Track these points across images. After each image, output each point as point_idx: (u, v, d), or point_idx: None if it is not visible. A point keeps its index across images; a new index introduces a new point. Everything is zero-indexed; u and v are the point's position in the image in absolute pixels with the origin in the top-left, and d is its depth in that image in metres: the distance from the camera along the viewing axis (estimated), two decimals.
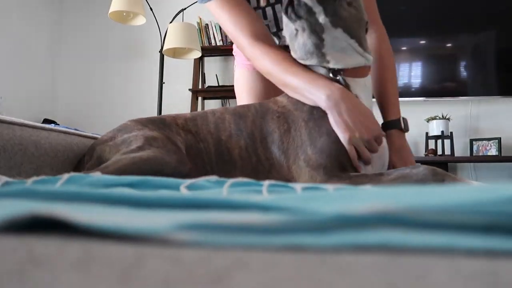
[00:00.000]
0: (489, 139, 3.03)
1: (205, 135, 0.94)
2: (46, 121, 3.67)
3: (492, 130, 3.13)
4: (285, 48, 0.99)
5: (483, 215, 0.24)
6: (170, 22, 3.21)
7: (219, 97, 3.61)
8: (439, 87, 3.20)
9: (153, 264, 0.19)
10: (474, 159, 2.98)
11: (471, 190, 0.28)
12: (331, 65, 0.90)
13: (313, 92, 0.89)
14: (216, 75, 3.69)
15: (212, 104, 3.66)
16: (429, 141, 3.11)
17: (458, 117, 3.19)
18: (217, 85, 3.65)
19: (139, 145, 0.84)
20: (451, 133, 3.04)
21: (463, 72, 3.21)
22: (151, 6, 3.36)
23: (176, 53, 3.21)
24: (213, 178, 0.49)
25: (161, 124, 0.94)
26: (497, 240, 0.22)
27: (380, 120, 1.00)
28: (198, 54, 3.20)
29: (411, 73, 3.24)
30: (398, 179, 0.79)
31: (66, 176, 0.47)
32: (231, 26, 1.01)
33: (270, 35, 1.04)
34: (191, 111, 3.25)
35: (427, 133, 3.11)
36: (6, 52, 3.52)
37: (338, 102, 0.86)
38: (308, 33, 0.87)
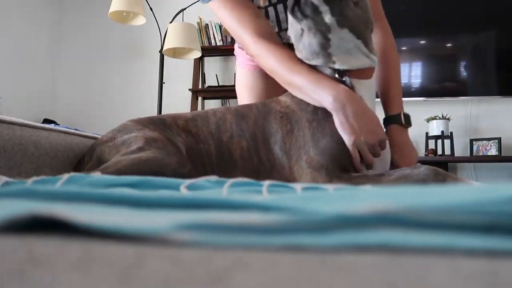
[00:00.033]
0: (489, 139, 3.03)
1: (206, 136, 0.94)
2: (46, 121, 3.67)
3: (492, 130, 3.13)
4: (289, 46, 0.99)
5: (483, 215, 0.24)
6: (170, 22, 3.21)
7: (219, 97, 3.61)
8: (439, 87, 3.20)
9: (153, 264, 0.19)
10: (474, 159, 2.98)
11: (471, 190, 0.28)
12: (336, 66, 0.90)
13: (318, 93, 0.88)
14: (216, 75, 3.69)
15: (212, 104, 3.66)
16: (429, 141, 3.11)
17: (458, 117, 3.19)
18: (217, 85, 3.65)
19: (139, 146, 0.83)
20: (451, 133, 3.04)
21: (463, 72, 3.21)
22: (151, 6, 3.36)
23: (176, 53, 3.21)
24: (213, 178, 0.49)
25: (161, 124, 0.93)
26: (497, 240, 0.22)
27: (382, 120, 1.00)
28: (198, 54, 3.20)
29: (411, 73, 3.24)
30: (399, 179, 0.79)
31: (66, 176, 0.47)
32: (235, 24, 1.00)
33: (274, 33, 1.03)
34: (191, 111, 3.25)
35: (427, 133, 3.11)
36: (6, 52, 3.52)
37: (344, 104, 0.85)
38: (314, 33, 0.87)
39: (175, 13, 3.35)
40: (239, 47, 1.33)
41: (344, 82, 0.89)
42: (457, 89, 3.17)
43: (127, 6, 2.86)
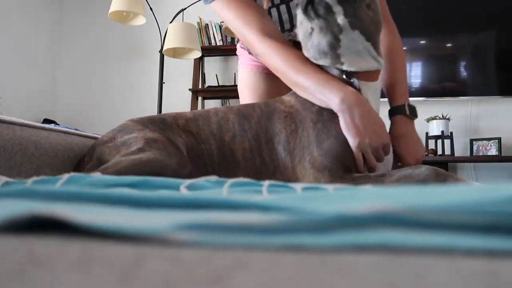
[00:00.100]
0: (489, 139, 3.03)
1: (207, 136, 0.93)
2: (46, 121, 3.67)
3: (492, 130, 3.13)
4: (294, 44, 0.98)
5: (483, 215, 0.24)
6: (170, 22, 3.21)
7: (219, 97, 3.61)
8: (439, 87, 3.20)
9: (153, 264, 0.19)
10: (474, 159, 2.98)
11: (471, 190, 0.28)
12: (344, 67, 0.89)
13: (325, 93, 0.87)
14: (216, 75, 3.69)
15: (212, 104, 3.66)
16: (429, 141, 3.11)
17: (458, 117, 3.19)
18: (217, 85, 3.65)
19: (139, 147, 0.83)
20: (451, 133, 3.04)
21: (463, 72, 3.21)
22: (151, 6, 3.36)
23: (176, 53, 3.21)
24: (213, 178, 0.49)
25: (161, 124, 0.93)
26: (497, 240, 0.22)
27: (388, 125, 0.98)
28: (198, 54, 3.20)
29: (411, 73, 3.24)
30: (401, 179, 0.79)
31: (66, 176, 0.47)
32: (239, 23, 0.99)
33: (279, 32, 1.03)
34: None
35: (427, 133, 3.11)
36: (6, 52, 3.53)
37: (351, 106, 0.85)
38: (324, 33, 0.86)
39: (175, 13, 3.35)
40: (242, 47, 1.33)
41: (351, 84, 0.89)
42: (457, 89, 3.17)
43: (127, 6, 2.86)
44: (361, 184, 0.79)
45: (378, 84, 0.95)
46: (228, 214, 0.28)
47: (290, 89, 0.99)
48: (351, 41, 0.86)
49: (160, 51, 3.29)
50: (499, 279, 0.18)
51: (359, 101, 0.86)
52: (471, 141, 3.09)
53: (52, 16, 4.04)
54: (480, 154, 3.04)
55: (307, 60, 0.93)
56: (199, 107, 3.62)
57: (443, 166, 2.88)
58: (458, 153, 3.13)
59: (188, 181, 0.46)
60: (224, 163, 0.91)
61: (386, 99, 1.01)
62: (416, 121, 1.05)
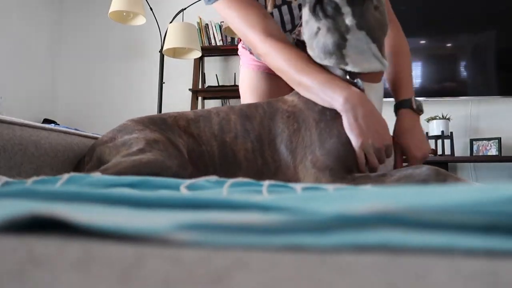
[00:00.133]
0: (489, 139, 3.03)
1: (208, 138, 0.93)
2: (46, 121, 3.67)
3: (492, 130, 3.13)
4: (298, 43, 0.98)
5: (483, 215, 0.24)
6: (170, 22, 3.21)
7: (219, 97, 3.61)
8: (439, 87, 3.20)
9: (153, 264, 0.19)
10: (474, 159, 2.98)
11: (471, 190, 0.28)
12: (348, 68, 0.89)
13: (328, 93, 0.87)
14: (216, 75, 3.69)
15: (212, 104, 3.66)
16: (429, 141, 3.11)
17: (458, 117, 3.19)
18: (217, 85, 3.65)
19: (139, 147, 0.83)
20: (451, 133, 3.04)
21: (463, 72, 3.21)
22: (151, 6, 3.36)
23: (176, 53, 3.21)
24: (213, 178, 0.49)
25: (162, 125, 0.92)
26: (497, 240, 0.22)
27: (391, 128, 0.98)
28: (198, 54, 3.20)
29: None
30: (401, 179, 0.79)
31: (66, 176, 0.47)
32: (241, 23, 0.99)
33: (282, 32, 1.03)
34: None
35: (427, 133, 3.11)
36: (6, 52, 3.53)
37: (355, 106, 0.85)
38: (331, 33, 0.86)
39: (175, 13, 3.35)
40: (243, 47, 1.33)
41: (355, 84, 0.89)
42: (457, 89, 3.17)
43: (127, 6, 2.86)
44: (361, 184, 0.79)
45: (381, 86, 0.95)
46: (228, 214, 0.28)
47: (291, 89, 0.99)
48: (357, 42, 0.86)
49: (160, 51, 3.29)
50: (499, 279, 0.18)
51: (363, 101, 0.86)
52: (471, 141, 3.09)
53: (52, 16, 4.04)
54: (480, 154, 3.04)
55: (310, 60, 0.93)
56: (199, 107, 3.61)
57: (443, 166, 2.88)
58: (458, 153, 3.13)
59: (188, 181, 0.46)
60: (225, 164, 0.91)
61: (388, 100, 1.01)
62: None
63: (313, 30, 0.90)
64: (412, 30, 3.20)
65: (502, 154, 2.97)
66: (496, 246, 0.21)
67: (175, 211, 0.31)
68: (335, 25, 0.85)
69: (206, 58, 3.73)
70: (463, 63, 3.22)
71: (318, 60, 0.92)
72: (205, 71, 3.72)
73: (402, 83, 1.05)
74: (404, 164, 0.98)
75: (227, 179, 0.47)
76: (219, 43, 3.60)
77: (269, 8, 1.06)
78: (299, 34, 0.97)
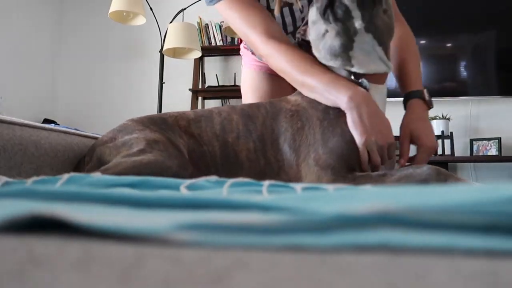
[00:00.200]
0: (489, 139, 3.03)
1: (210, 138, 0.93)
2: (46, 121, 3.67)
3: (492, 130, 3.13)
4: (300, 43, 0.98)
5: (483, 215, 0.24)
6: (170, 22, 3.21)
7: (219, 97, 3.61)
8: (439, 87, 3.20)
9: (153, 264, 0.19)
10: (474, 159, 2.98)
11: (471, 190, 0.28)
12: (354, 69, 0.90)
13: (333, 93, 0.88)
14: (216, 75, 3.69)
15: (212, 104, 3.66)
16: None
17: (458, 117, 3.19)
18: (217, 85, 3.65)
19: (140, 148, 0.82)
20: (451, 133, 3.04)
21: (463, 72, 3.21)
22: (151, 6, 3.35)
23: (176, 53, 3.21)
24: (213, 178, 0.49)
25: (163, 125, 0.92)
26: (497, 240, 0.22)
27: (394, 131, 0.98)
28: (198, 54, 3.20)
29: None
30: (402, 179, 0.79)
31: (66, 176, 0.47)
32: (243, 24, 0.99)
33: (283, 33, 1.03)
34: None
35: None
36: (6, 52, 3.53)
37: (359, 104, 0.85)
38: (340, 36, 0.86)
39: (175, 13, 3.35)
40: (245, 47, 1.33)
41: (360, 84, 0.89)
42: (457, 89, 3.17)
43: (127, 6, 2.86)
44: (362, 183, 0.79)
45: (385, 88, 0.95)
46: (228, 214, 0.28)
47: (293, 90, 0.99)
48: (363, 45, 0.87)
49: (160, 51, 3.29)
50: (499, 279, 0.18)
51: (367, 100, 0.87)
52: (471, 141, 3.09)
53: (53, 16, 4.04)
54: (480, 154, 3.04)
55: (313, 61, 0.93)
56: (199, 107, 3.61)
57: (443, 166, 2.88)
58: (458, 153, 3.13)
59: (188, 181, 0.46)
60: (227, 164, 0.91)
61: (391, 100, 1.00)
62: None
63: (320, 32, 0.90)
64: (412, 30, 3.19)
65: (502, 154, 2.97)
66: (496, 246, 0.21)
67: (175, 211, 0.31)
68: (344, 28, 0.86)
69: (206, 58, 3.73)
70: (463, 63, 3.22)
71: (323, 61, 0.92)
72: (205, 71, 3.73)
73: (411, 75, 1.05)
74: (407, 164, 0.97)
75: (227, 179, 0.47)
76: (219, 43, 3.60)
77: (276, 11, 1.06)
78: (305, 33, 0.97)
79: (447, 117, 3.07)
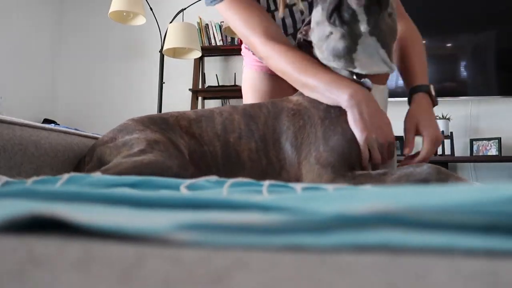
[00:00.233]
0: (489, 139, 3.03)
1: (211, 138, 0.93)
2: (46, 121, 3.68)
3: (492, 130, 3.13)
4: (301, 43, 0.98)
5: (483, 215, 0.24)
6: (170, 22, 3.21)
7: (219, 97, 3.61)
8: (439, 87, 3.18)
9: (153, 264, 0.19)
10: (474, 159, 2.98)
11: (471, 190, 0.28)
12: (356, 70, 0.90)
13: (334, 92, 0.88)
14: (216, 75, 3.69)
15: (212, 104, 3.66)
16: None
17: (458, 117, 3.19)
18: (217, 85, 3.65)
19: (140, 148, 0.82)
20: (451, 133, 3.04)
21: (463, 72, 3.21)
22: (151, 6, 3.36)
23: (176, 53, 3.21)
24: (213, 178, 0.49)
25: (163, 125, 0.92)
26: (497, 240, 0.22)
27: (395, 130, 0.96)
28: (198, 54, 3.20)
29: None
30: (402, 178, 0.79)
31: (66, 176, 0.47)
32: (242, 25, 0.99)
33: (283, 35, 1.03)
34: None
35: None
36: (6, 52, 3.53)
37: (360, 102, 0.86)
38: (345, 38, 0.87)
39: (175, 13, 3.35)
40: (246, 48, 1.33)
41: (361, 84, 0.90)
42: (457, 89, 3.17)
43: (127, 6, 2.86)
44: (362, 182, 0.79)
45: (386, 88, 0.96)
46: (228, 214, 0.28)
47: (294, 91, 0.99)
48: (367, 47, 0.87)
49: (160, 51, 3.29)
50: (499, 279, 0.18)
51: (368, 98, 0.87)
52: (471, 141, 3.09)
53: (53, 16, 4.04)
54: (480, 154, 3.04)
55: (314, 61, 0.93)
56: (199, 107, 3.61)
57: (443, 166, 2.86)
58: (458, 153, 3.13)
59: (188, 181, 0.46)
60: (228, 164, 0.91)
61: (392, 99, 1.00)
62: None
63: (324, 33, 0.90)
64: None
65: (502, 154, 2.97)
66: (496, 246, 0.21)
67: (175, 211, 0.31)
68: (350, 32, 0.86)
69: (206, 58, 3.73)
70: (463, 63, 3.22)
71: (325, 62, 0.93)
72: (205, 71, 3.73)
73: (416, 70, 1.04)
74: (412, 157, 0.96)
75: (227, 179, 0.47)
76: (219, 43, 3.60)
77: (280, 13, 1.06)
78: (307, 33, 0.97)
79: (447, 117, 3.07)
